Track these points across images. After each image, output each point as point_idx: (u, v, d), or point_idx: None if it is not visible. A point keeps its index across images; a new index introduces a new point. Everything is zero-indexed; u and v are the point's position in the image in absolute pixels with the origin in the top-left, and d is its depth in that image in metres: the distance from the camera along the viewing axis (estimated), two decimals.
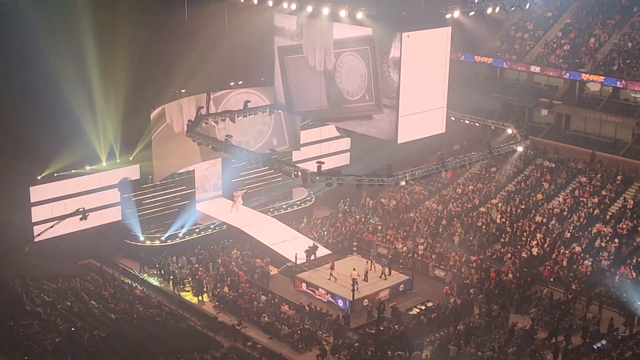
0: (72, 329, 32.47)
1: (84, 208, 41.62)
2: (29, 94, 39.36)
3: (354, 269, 38.95)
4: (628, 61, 49.60)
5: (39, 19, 39.17)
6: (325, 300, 38.65)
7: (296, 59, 39.77)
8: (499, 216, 46.01)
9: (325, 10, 36.74)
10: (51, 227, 40.77)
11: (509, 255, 42.03)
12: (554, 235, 43.14)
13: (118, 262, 42.91)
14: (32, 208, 40.26)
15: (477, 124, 42.22)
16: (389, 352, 32.33)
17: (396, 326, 35.17)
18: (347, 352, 33.71)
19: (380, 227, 46.57)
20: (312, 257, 41.82)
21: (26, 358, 29.63)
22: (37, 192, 40.31)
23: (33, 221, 40.40)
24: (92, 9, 41.43)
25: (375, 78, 36.22)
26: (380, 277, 40.12)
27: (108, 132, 42.09)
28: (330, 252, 43.37)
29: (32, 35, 38.71)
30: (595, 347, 32.96)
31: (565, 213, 45.01)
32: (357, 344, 33.98)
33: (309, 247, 42.50)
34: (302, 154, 50.14)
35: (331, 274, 39.78)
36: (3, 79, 38.31)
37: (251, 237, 44.37)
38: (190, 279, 40.45)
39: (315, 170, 33.30)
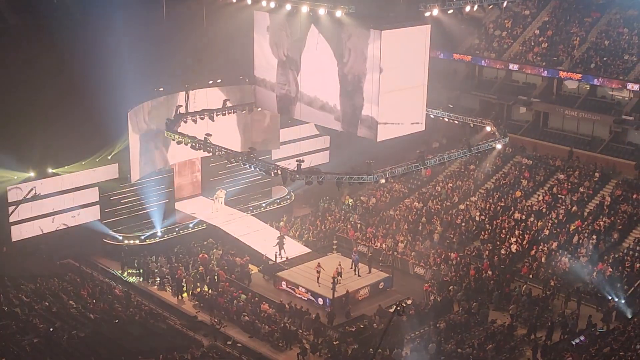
0: (51, 329, 32.21)
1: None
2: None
3: (338, 265, 39.01)
4: (605, 59, 50.04)
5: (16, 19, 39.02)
6: (305, 299, 38.63)
7: None
8: (477, 213, 46.21)
9: (304, 9, 36.70)
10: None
11: (488, 252, 42.24)
12: (533, 232, 43.42)
13: (97, 262, 42.57)
14: (10, 208, 39.82)
15: (456, 122, 42.38)
16: (370, 349, 32.36)
17: (374, 325, 35.25)
18: (328, 350, 33.74)
19: (359, 225, 46.60)
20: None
21: (3, 359, 29.36)
22: (14, 192, 39.85)
23: (10, 221, 40.00)
24: (70, 7, 41.14)
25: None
26: (355, 273, 40.09)
27: (86, 131, 41.74)
28: (310, 250, 43.31)
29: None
30: (574, 343, 33.24)
31: (543, 210, 45.30)
32: (337, 342, 34.01)
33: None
34: (282, 152, 50.06)
35: (318, 276, 39.24)
36: None
37: (230, 236, 44.21)
38: (169, 278, 40.28)
39: (295, 169, 33.30)
